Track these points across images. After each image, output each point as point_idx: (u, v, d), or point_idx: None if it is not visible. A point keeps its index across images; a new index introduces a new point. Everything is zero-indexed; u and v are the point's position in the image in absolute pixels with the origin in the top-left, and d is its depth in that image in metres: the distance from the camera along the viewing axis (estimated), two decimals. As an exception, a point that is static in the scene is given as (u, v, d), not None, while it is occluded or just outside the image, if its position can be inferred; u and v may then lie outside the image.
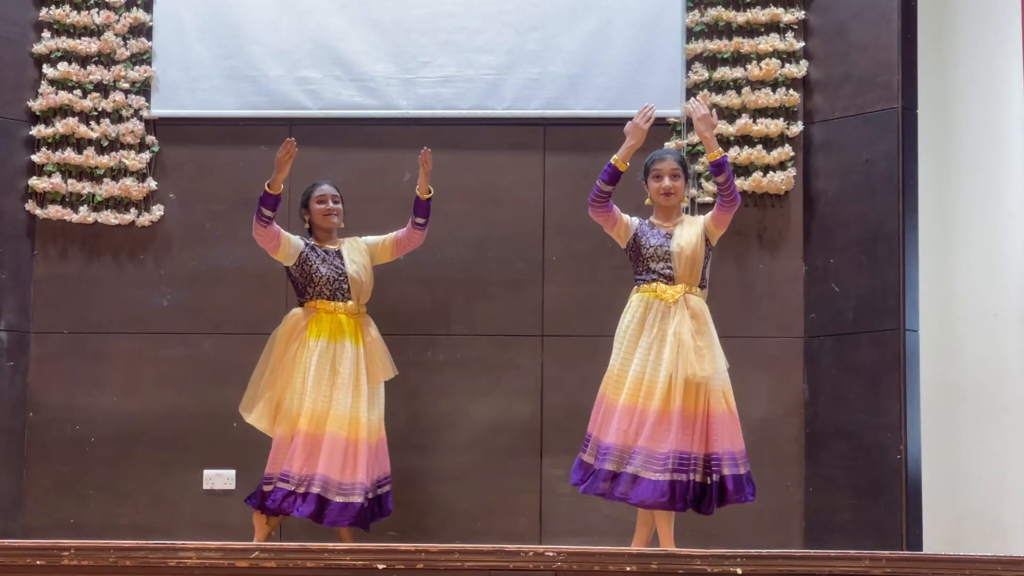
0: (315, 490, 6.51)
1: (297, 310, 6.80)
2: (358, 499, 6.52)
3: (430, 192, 6.81)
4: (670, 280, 6.35)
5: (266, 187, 6.64)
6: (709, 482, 6.17)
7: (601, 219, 6.47)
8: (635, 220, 6.49)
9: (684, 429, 6.15)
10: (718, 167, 6.30)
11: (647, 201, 6.54)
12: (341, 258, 6.80)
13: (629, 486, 6.14)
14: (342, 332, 6.69)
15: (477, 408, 7.16)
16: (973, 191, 7.26)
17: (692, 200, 7.29)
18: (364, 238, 6.93)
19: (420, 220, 6.85)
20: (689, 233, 6.40)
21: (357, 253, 6.85)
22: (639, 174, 6.57)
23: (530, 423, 7.37)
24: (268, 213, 6.65)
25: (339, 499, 6.51)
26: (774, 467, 7.19)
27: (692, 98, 6.64)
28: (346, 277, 6.74)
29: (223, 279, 7.45)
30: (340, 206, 6.89)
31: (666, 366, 6.20)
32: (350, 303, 6.74)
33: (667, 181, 6.41)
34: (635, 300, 6.40)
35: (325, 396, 6.60)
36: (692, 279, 6.37)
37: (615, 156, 6.38)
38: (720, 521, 6.55)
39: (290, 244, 6.76)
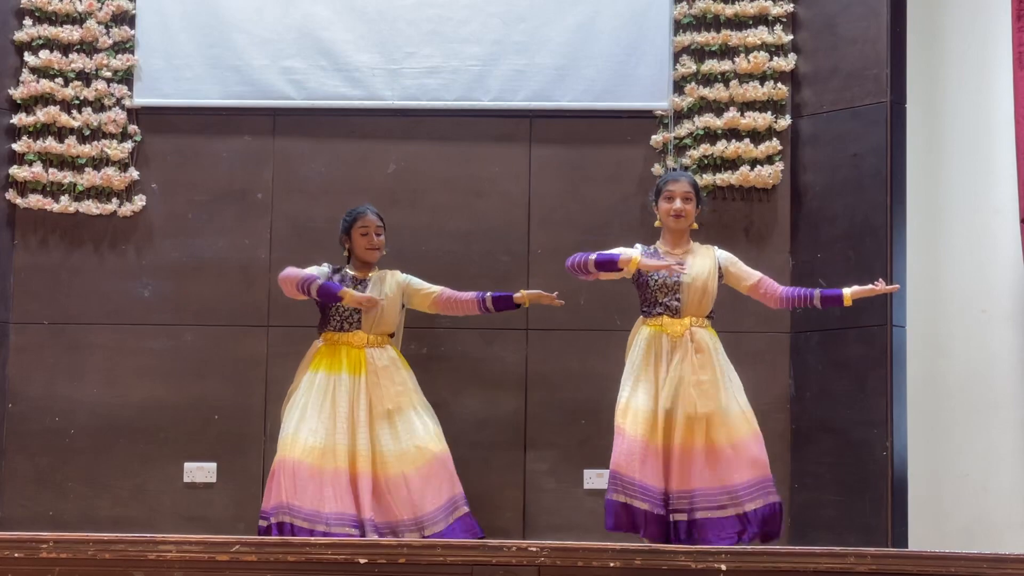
0: (298, 523, 6.37)
1: (315, 342, 6.72)
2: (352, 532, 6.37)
3: (526, 305, 6.69)
4: (676, 313, 6.33)
5: (338, 295, 6.48)
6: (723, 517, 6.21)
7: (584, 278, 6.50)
8: (637, 250, 6.46)
9: (679, 466, 6.19)
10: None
11: (656, 224, 6.52)
12: (365, 288, 6.65)
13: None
14: (340, 364, 6.57)
15: (461, 402, 7.13)
16: (961, 186, 7.26)
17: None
18: (407, 276, 6.76)
19: (490, 308, 6.68)
20: (701, 265, 6.40)
21: (385, 284, 6.68)
22: (650, 195, 6.56)
23: (514, 417, 7.35)
24: (312, 299, 6.56)
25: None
26: (759, 463, 7.18)
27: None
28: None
29: (205, 270, 7.41)
30: (383, 238, 6.72)
31: (665, 402, 6.22)
32: (358, 332, 6.61)
33: (678, 203, 6.39)
34: (643, 333, 6.39)
35: (312, 429, 6.46)
36: (700, 311, 6.37)
37: (629, 256, 6.35)
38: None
39: (319, 275, 6.66)
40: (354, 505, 6.42)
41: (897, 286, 6.51)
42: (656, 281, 6.36)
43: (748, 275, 6.49)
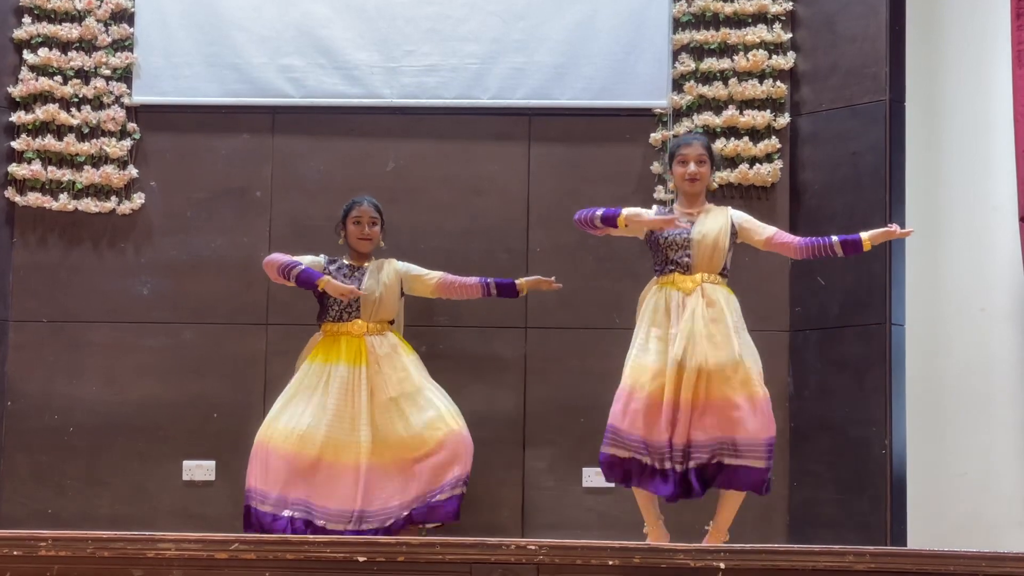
0: (297, 515, 6.41)
1: (315, 334, 6.74)
2: (347, 527, 6.39)
3: (524, 293, 6.77)
4: (687, 269, 6.33)
5: (316, 284, 6.57)
6: (713, 462, 6.19)
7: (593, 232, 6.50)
8: (650, 212, 6.47)
9: (685, 419, 6.17)
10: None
11: (671, 187, 6.53)
12: (363, 276, 6.68)
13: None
14: (338, 354, 6.59)
15: (460, 400, 7.10)
16: (960, 185, 7.27)
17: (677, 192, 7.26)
18: (405, 264, 6.81)
19: (493, 292, 6.77)
20: (713, 223, 6.38)
21: (383, 273, 6.72)
22: (663, 159, 6.55)
23: (513, 415, 7.36)
24: (293, 285, 6.62)
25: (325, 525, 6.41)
26: (758, 461, 7.19)
27: None
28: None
29: (204, 268, 7.42)
30: (377, 228, 6.76)
31: (676, 354, 6.19)
32: (357, 322, 6.63)
33: (692, 167, 6.38)
34: (654, 291, 6.40)
35: (300, 415, 6.50)
36: (711, 267, 6.35)
37: (627, 211, 6.37)
38: (704, 515, 6.52)
39: (309, 264, 6.69)
40: (336, 497, 6.43)
41: (912, 230, 6.49)
42: (667, 239, 6.36)
43: (762, 229, 6.48)
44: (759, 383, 6.27)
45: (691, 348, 6.19)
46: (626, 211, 6.40)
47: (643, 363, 6.26)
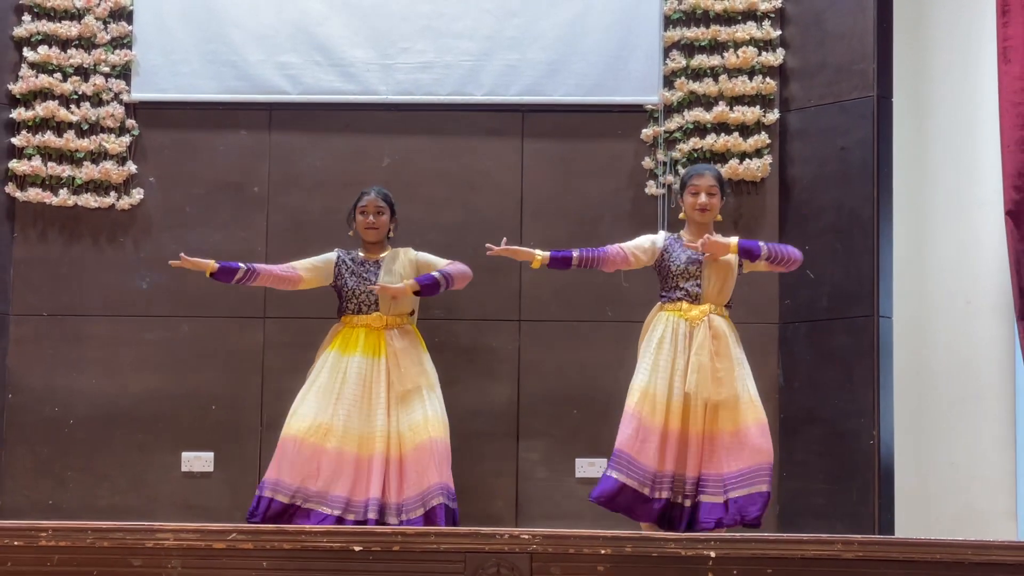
0: (310, 506, 6.45)
1: (335, 324, 6.77)
2: (365, 516, 6.41)
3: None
4: (696, 299, 6.38)
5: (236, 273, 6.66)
6: (722, 501, 6.24)
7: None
8: (660, 236, 6.53)
9: (696, 451, 6.24)
10: (748, 253, 6.36)
11: (681, 216, 6.58)
12: (378, 268, 6.71)
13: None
14: (358, 345, 6.61)
15: (454, 392, 7.15)
16: (947, 180, 7.32)
17: (668, 186, 7.32)
18: (421, 254, 6.80)
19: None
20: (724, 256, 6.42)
21: (399, 264, 6.73)
22: (676, 187, 6.60)
23: (507, 407, 7.41)
24: (234, 281, 6.67)
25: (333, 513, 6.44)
26: (748, 452, 7.23)
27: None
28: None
29: (202, 263, 7.46)
30: (384, 218, 6.75)
31: (686, 386, 6.25)
32: (375, 314, 6.66)
33: (703, 198, 6.42)
34: (660, 318, 6.41)
35: (323, 409, 6.52)
36: (719, 298, 6.40)
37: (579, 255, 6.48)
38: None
39: (316, 270, 6.73)
40: (351, 487, 6.45)
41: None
42: (678, 267, 6.41)
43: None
44: (760, 408, 6.35)
45: (700, 383, 6.25)
46: (628, 250, 6.49)
47: (653, 391, 6.28)
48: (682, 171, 6.94)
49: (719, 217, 6.53)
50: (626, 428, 6.29)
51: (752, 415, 6.30)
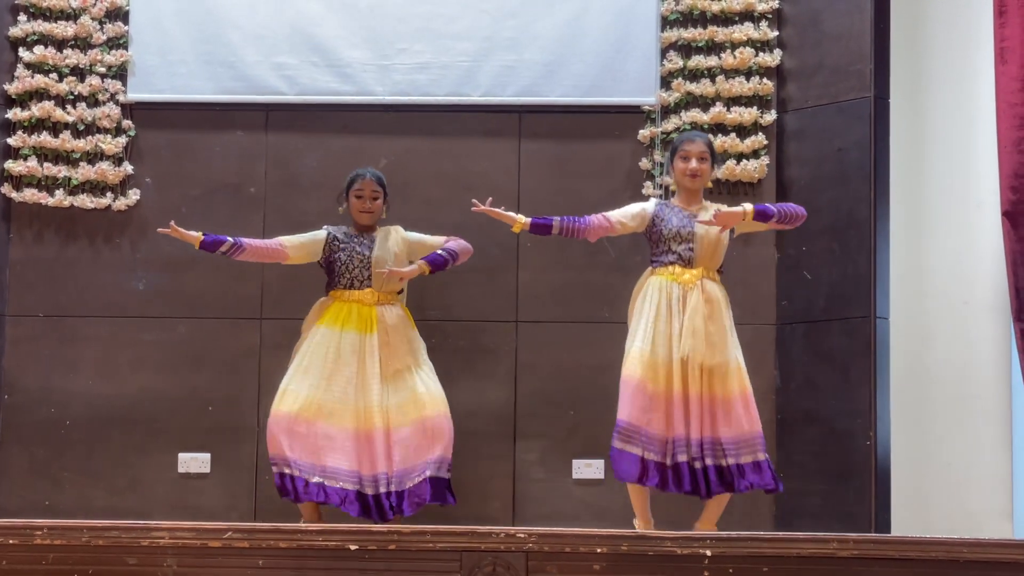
0: (314, 479, 6.46)
1: (322, 299, 6.77)
2: (352, 488, 6.45)
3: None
4: (688, 263, 6.34)
5: (222, 245, 6.65)
6: (725, 465, 6.22)
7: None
8: (650, 204, 6.50)
9: (697, 413, 6.21)
10: (763, 216, 6.32)
11: (671, 185, 6.56)
12: (372, 244, 6.72)
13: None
14: (349, 320, 6.62)
15: (451, 393, 7.13)
16: (944, 180, 7.32)
17: (666, 188, 7.32)
18: (409, 232, 6.83)
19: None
20: None
21: (391, 241, 6.75)
22: (666, 155, 6.58)
23: (503, 408, 7.41)
24: (219, 252, 6.67)
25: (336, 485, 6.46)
26: (745, 453, 7.23)
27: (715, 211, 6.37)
28: (368, 263, 6.67)
29: (198, 263, 7.43)
30: (379, 201, 6.78)
31: (682, 350, 6.21)
32: (367, 290, 6.67)
33: (694, 163, 6.39)
34: (652, 283, 6.36)
35: (314, 384, 6.54)
36: (711, 263, 6.36)
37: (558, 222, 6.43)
38: (693, 507, 6.57)
39: (303, 247, 6.73)
40: (355, 460, 6.48)
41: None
42: (671, 230, 6.37)
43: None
44: (747, 378, 6.34)
45: (693, 345, 6.23)
46: (622, 214, 6.46)
47: (649, 356, 6.23)
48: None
49: (709, 184, 6.52)
50: (633, 398, 6.20)
51: (738, 384, 6.28)
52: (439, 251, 6.73)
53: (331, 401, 6.53)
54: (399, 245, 6.75)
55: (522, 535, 4.91)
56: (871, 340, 6.97)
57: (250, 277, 7.41)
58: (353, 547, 4.91)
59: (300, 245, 6.74)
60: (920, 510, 7.10)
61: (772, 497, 7.09)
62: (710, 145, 6.50)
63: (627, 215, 6.47)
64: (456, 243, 6.79)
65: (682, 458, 6.20)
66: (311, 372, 6.56)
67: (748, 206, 6.32)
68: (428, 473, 6.45)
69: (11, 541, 4.92)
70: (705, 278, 6.33)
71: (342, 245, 6.71)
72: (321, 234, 6.77)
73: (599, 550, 4.93)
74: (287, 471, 6.45)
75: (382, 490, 6.45)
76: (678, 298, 6.30)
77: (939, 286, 7.25)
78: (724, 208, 6.32)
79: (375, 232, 6.77)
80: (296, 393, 6.54)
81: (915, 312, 7.25)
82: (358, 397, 6.55)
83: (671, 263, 6.36)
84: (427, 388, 6.62)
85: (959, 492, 7.08)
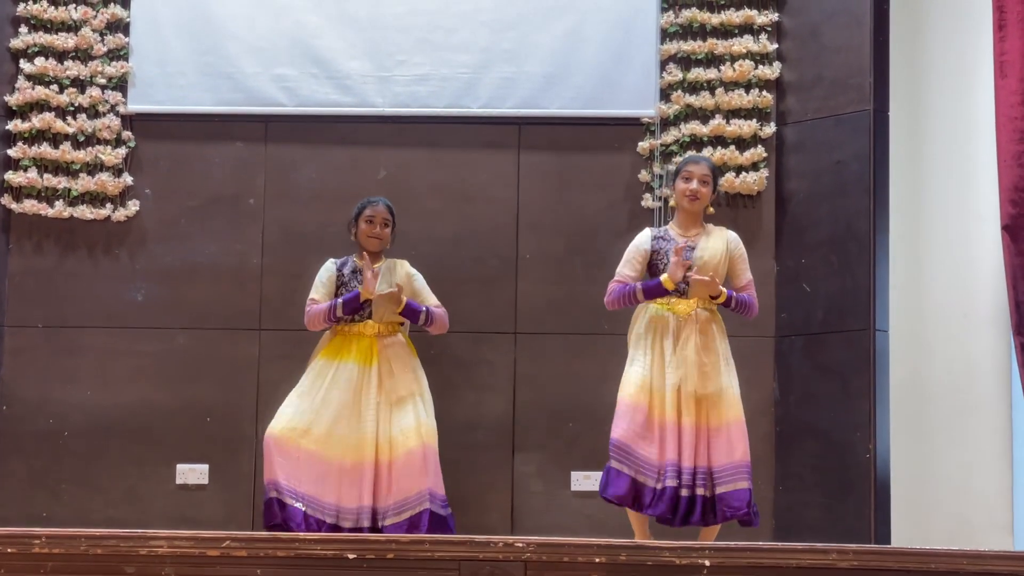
0: (309, 511, 6.45)
1: (326, 332, 6.76)
2: (358, 523, 6.44)
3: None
4: (683, 294, 6.33)
5: (359, 298, 6.60)
6: (710, 496, 6.22)
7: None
8: (645, 237, 6.47)
9: (690, 442, 6.21)
10: (726, 302, 6.36)
11: (669, 194, 6.55)
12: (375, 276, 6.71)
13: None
14: (348, 353, 6.62)
15: (449, 404, 7.17)
16: (943, 193, 7.33)
17: (665, 200, 7.33)
18: (417, 275, 6.82)
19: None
20: (714, 247, 6.39)
21: (395, 274, 6.74)
22: (669, 173, 6.57)
23: (502, 420, 7.41)
24: (344, 316, 6.64)
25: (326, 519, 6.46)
26: (744, 466, 7.23)
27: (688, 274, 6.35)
28: (368, 300, 6.63)
29: (198, 274, 7.46)
30: (388, 230, 6.78)
31: (675, 379, 6.22)
32: (368, 323, 6.65)
33: (695, 184, 6.37)
34: (649, 311, 6.36)
35: (301, 411, 6.53)
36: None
37: (665, 277, 6.32)
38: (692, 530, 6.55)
39: (328, 292, 6.72)
40: (340, 494, 6.47)
41: (700, 277, 6.35)
42: (667, 263, 6.35)
43: (742, 275, 6.47)
44: (740, 407, 6.33)
45: (686, 376, 6.23)
46: (628, 270, 6.44)
47: (646, 383, 6.25)
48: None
49: (711, 210, 6.51)
50: (626, 420, 6.23)
51: (733, 413, 6.28)
52: (423, 306, 6.72)
53: (316, 430, 6.52)
54: (402, 278, 6.74)
55: (520, 544, 4.90)
56: (870, 352, 6.97)
57: (249, 288, 7.42)
58: (351, 556, 4.89)
59: (326, 292, 6.72)
60: (920, 522, 7.09)
61: (771, 510, 7.09)
62: (714, 171, 6.48)
63: (633, 268, 6.44)
64: (441, 311, 6.78)
65: (671, 483, 6.20)
66: (300, 400, 6.56)
67: (723, 291, 6.32)
68: (428, 507, 6.45)
69: (10, 550, 4.90)
70: (700, 308, 6.33)
71: (346, 280, 6.72)
72: (332, 272, 6.76)
73: (597, 560, 4.91)
74: (274, 495, 6.44)
75: (364, 524, 6.43)
76: (673, 329, 6.31)
77: (938, 299, 7.25)
78: (703, 278, 6.27)
79: (378, 265, 6.76)
80: (281, 416, 6.54)
81: (914, 325, 7.25)
82: (351, 430, 6.54)
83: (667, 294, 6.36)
84: (424, 419, 6.60)
85: (959, 505, 7.08)
